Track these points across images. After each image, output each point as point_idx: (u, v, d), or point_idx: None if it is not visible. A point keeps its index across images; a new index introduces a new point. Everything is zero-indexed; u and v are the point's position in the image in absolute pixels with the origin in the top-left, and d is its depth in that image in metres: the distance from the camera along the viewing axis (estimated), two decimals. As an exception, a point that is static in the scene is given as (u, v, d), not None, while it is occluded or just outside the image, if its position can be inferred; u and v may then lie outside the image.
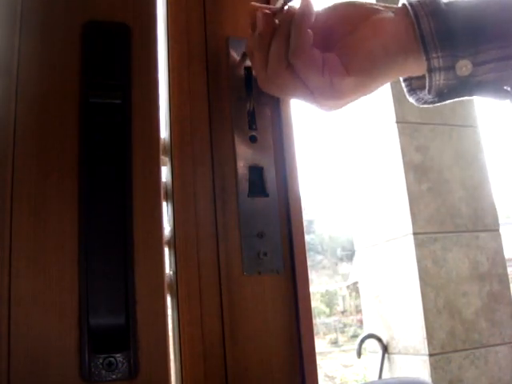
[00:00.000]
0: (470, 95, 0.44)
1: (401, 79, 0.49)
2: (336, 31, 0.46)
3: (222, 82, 0.49)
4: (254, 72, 0.49)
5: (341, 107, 0.46)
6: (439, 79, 0.42)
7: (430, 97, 0.45)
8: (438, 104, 0.46)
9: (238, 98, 0.50)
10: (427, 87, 0.43)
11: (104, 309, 0.39)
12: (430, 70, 0.42)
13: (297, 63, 0.43)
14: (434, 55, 0.41)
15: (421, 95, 0.47)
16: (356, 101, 0.46)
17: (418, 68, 0.43)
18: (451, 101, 0.45)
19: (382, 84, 0.45)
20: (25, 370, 0.37)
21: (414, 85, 0.48)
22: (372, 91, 0.46)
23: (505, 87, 0.42)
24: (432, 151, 2.00)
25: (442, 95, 0.44)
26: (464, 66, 0.41)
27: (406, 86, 0.48)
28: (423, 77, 0.44)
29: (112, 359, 0.39)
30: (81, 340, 0.38)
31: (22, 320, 0.38)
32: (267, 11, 0.45)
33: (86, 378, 0.38)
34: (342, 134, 2.36)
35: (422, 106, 0.48)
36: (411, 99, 0.49)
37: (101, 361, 0.39)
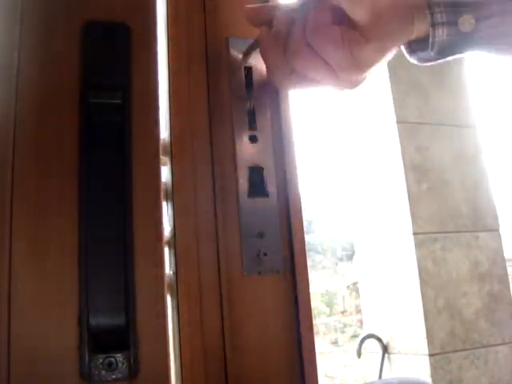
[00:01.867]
0: (473, 51, 0.43)
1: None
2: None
3: (222, 81, 0.49)
4: (268, 72, 0.49)
5: (362, 81, 0.46)
6: (442, 34, 0.42)
7: (432, 54, 0.45)
8: (441, 61, 0.45)
9: (237, 98, 0.50)
10: (430, 43, 0.43)
11: (104, 309, 0.39)
12: (434, 24, 0.42)
13: (316, 41, 0.43)
14: (437, 9, 0.41)
15: (421, 55, 0.47)
16: (376, 70, 0.47)
17: (424, 27, 0.43)
18: (453, 57, 0.44)
19: (398, 46, 0.46)
20: (25, 369, 0.37)
21: (414, 47, 0.47)
22: (389, 56, 0.46)
23: (506, 44, 0.41)
24: (432, 151, 2.00)
25: (444, 52, 0.44)
26: (467, 21, 0.41)
27: (406, 48, 0.48)
28: (423, 39, 0.44)
29: (112, 359, 0.39)
30: (81, 340, 0.38)
31: (22, 320, 0.38)
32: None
33: (86, 378, 0.38)
34: (342, 135, 2.37)
35: (423, 64, 0.47)
36: (412, 59, 0.48)
37: (101, 361, 0.39)
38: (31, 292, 0.38)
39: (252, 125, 0.49)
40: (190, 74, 0.48)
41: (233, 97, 0.49)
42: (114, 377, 0.39)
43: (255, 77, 0.50)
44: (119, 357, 0.39)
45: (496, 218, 2.07)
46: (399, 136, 1.95)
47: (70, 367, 0.38)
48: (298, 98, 0.47)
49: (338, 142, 2.42)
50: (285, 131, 0.51)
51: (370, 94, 2.13)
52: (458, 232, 1.98)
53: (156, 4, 0.48)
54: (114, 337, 0.39)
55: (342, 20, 0.46)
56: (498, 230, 2.07)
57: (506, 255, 2.08)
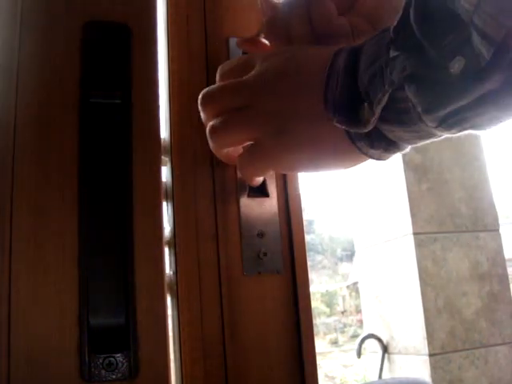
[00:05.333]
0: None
1: None
2: None
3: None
4: None
5: None
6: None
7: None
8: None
9: (238, 98, 0.50)
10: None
11: (104, 309, 0.39)
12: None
13: (326, 35, 0.42)
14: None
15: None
16: None
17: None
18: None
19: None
20: (25, 369, 0.37)
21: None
22: None
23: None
24: (432, 151, 2.00)
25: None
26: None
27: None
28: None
29: (112, 359, 0.39)
30: (81, 340, 0.38)
31: (22, 320, 0.38)
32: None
33: (86, 378, 0.38)
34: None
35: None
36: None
37: (101, 361, 0.39)
38: (31, 292, 0.38)
39: (252, 125, 0.49)
40: (190, 74, 0.48)
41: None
42: (113, 377, 0.39)
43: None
44: (119, 357, 0.39)
45: (496, 218, 2.07)
46: (399, 136, 1.95)
47: (70, 367, 0.38)
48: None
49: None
50: (285, 131, 0.51)
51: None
52: (458, 232, 1.98)
53: (156, 4, 0.48)
54: (114, 337, 0.39)
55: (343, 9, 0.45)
56: (497, 230, 2.07)
57: (506, 255, 2.08)
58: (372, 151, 0.38)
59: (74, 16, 0.44)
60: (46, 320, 0.38)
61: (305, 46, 0.43)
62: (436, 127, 0.33)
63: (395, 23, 0.33)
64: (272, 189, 0.49)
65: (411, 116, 0.33)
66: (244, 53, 0.50)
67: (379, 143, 0.37)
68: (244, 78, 0.42)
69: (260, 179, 0.46)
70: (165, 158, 0.48)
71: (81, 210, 0.41)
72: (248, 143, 0.43)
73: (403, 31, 0.32)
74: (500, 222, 2.09)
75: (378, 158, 0.39)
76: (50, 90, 0.42)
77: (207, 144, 0.46)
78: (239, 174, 0.46)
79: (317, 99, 0.38)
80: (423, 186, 1.96)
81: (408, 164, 1.95)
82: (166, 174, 0.48)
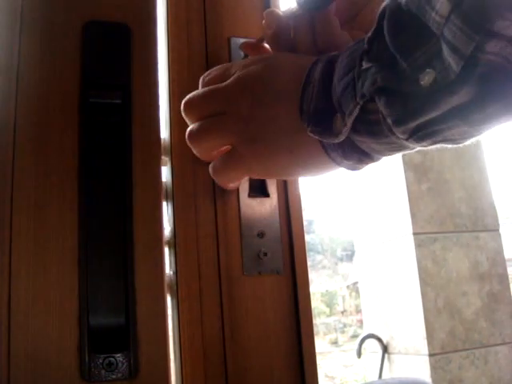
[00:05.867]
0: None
1: None
2: (347, 10, 0.46)
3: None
4: None
5: None
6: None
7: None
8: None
9: (238, 98, 0.50)
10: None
11: (104, 309, 0.39)
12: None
13: (329, 48, 0.42)
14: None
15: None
16: None
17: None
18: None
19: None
20: (25, 369, 0.37)
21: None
22: None
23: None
24: (432, 151, 1.99)
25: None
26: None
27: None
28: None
29: (112, 359, 0.39)
30: (81, 340, 0.38)
31: (22, 320, 0.38)
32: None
33: (86, 378, 0.38)
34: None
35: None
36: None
37: (101, 361, 0.39)
38: (31, 292, 0.38)
39: (252, 125, 0.49)
40: (190, 74, 0.48)
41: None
42: (114, 377, 0.39)
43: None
44: (119, 357, 0.39)
45: (496, 218, 2.07)
46: (399, 136, 1.95)
47: (70, 367, 0.38)
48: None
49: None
50: (285, 131, 0.51)
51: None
52: (458, 232, 1.98)
53: (156, 4, 0.48)
54: (114, 337, 0.39)
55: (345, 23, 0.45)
56: (498, 230, 2.07)
57: (506, 255, 2.08)
58: (345, 162, 0.38)
59: (74, 16, 0.44)
60: (46, 320, 0.38)
61: (285, 54, 0.43)
62: (407, 139, 0.33)
63: (369, 34, 0.33)
64: (272, 189, 0.49)
65: (382, 128, 0.33)
66: (245, 55, 0.50)
67: (352, 154, 0.37)
68: (222, 84, 0.42)
69: (235, 185, 0.46)
70: (165, 158, 0.48)
71: (81, 210, 0.41)
72: (226, 148, 0.43)
73: (377, 43, 0.32)
74: (500, 221, 2.09)
75: (352, 169, 0.39)
76: (49, 89, 0.42)
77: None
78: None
79: (292, 108, 0.38)
80: (423, 185, 1.96)
81: (408, 164, 1.95)
82: (165, 174, 0.48)
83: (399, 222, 1.98)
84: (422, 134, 0.32)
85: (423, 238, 1.92)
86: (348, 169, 0.40)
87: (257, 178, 0.47)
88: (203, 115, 0.42)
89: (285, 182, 0.49)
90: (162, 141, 0.46)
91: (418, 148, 0.35)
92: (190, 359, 0.43)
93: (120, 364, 0.39)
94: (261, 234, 0.47)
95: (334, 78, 0.36)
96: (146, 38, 0.46)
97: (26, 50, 0.42)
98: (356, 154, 0.37)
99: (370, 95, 0.32)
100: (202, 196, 0.46)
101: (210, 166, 0.44)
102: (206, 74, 0.45)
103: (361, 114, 0.34)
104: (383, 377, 2.05)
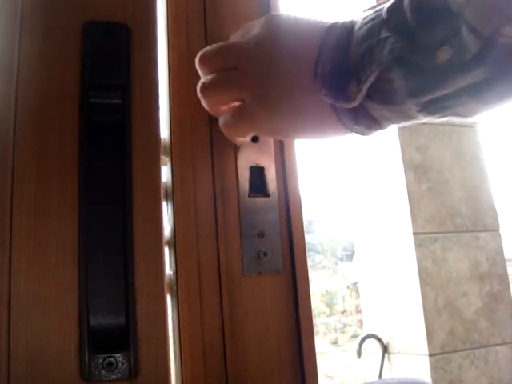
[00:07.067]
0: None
1: None
2: None
3: (222, 81, 0.49)
4: None
5: None
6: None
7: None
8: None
9: (238, 98, 0.50)
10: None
11: (104, 309, 0.39)
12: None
13: None
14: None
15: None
16: None
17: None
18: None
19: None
20: (25, 369, 0.37)
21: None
22: None
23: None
24: (432, 151, 2.00)
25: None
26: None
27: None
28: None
29: (112, 359, 0.39)
30: (81, 340, 0.38)
31: (22, 320, 0.38)
32: None
33: (86, 378, 0.38)
34: (342, 134, 2.36)
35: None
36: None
37: (101, 361, 0.39)
38: (31, 292, 0.38)
39: (252, 125, 0.49)
40: (190, 74, 0.48)
41: (233, 97, 0.49)
42: (114, 377, 0.39)
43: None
44: (119, 357, 0.39)
45: (496, 218, 2.07)
46: (399, 136, 1.95)
47: (70, 367, 0.38)
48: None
49: (339, 142, 2.42)
50: (285, 131, 0.51)
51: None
52: (458, 232, 1.98)
53: (156, 4, 0.47)
54: (114, 337, 0.39)
55: None
56: (498, 230, 2.07)
57: (506, 255, 2.08)
58: (356, 127, 0.39)
59: (74, 16, 0.44)
60: (46, 320, 0.38)
61: (299, 17, 0.43)
62: (419, 111, 0.34)
63: (390, 4, 0.34)
64: (272, 189, 0.49)
65: (396, 97, 0.34)
66: None
67: (363, 120, 0.38)
68: (239, 40, 0.43)
69: (244, 139, 0.47)
70: (165, 158, 0.48)
71: (81, 210, 0.41)
72: (236, 104, 0.43)
73: (396, 15, 0.33)
74: (500, 222, 2.09)
75: (362, 134, 0.40)
76: (49, 89, 0.42)
77: (207, 144, 0.46)
78: (225, 134, 0.46)
79: (307, 69, 0.39)
80: (423, 185, 1.96)
81: (408, 164, 1.95)
82: (166, 174, 0.48)
83: (399, 222, 1.98)
84: (433, 108, 0.33)
85: (423, 238, 1.92)
86: (357, 133, 0.40)
87: (263, 135, 0.47)
88: (216, 69, 0.43)
89: (285, 182, 0.49)
90: (162, 141, 0.46)
91: (426, 120, 0.36)
92: (190, 359, 0.43)
93: (120, 364, 0.39)
94: (261, 234, 0.47)
95: (351, 44, 0.36)
96: (146, 38, 0.46)
97: (26, 50, 0.42)
98: (367, 120, 0.38)
99: (387, 64, 0.33)
100: (202, 196, 0.46)
101: (220, 119, 0.45)
102: (203, 51, 0.45)
103: (376, 82, 0.34)
104: (383, 377, 2.05)
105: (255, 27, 0.43)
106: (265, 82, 0.40)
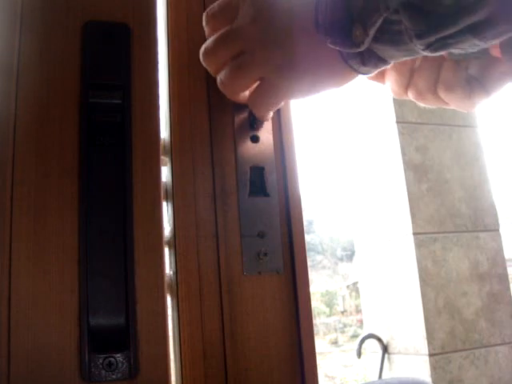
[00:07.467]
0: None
1: None
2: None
3: (222, 81, 0.49)
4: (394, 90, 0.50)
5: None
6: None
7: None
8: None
9: (238, 98, 0.50)
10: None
11: (104, 309, 0.39)
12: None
13: (448, 98, 0.45)
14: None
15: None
16: None
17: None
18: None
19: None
20: (25, 369, 0.37)
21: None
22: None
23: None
24: (432, 151, 2.00)
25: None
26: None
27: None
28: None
29: (112, 359, 0.39)
30: (81, 340, 0.38)
31: (22, 320, 0.38)
32: None
33: (86, 378, 0.38)
34: (342, 135, 2.37)
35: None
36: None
37: (101, 361, 0.39)
38: (31, 292, 0.38)
39: (253, 125, 0.49)
40: (190, 74, 0.48)
41: (233, 97, 0.49)
42: (113, 377, 0.39)
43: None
44: (119, 357, 0.39)
45: (496, 218, 2.07)
46: (399, 136, 1.95)
47: (70, 367, 0.38)
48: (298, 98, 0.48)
49: (339, 142, 2.42)
50: (286, 131, 0.51)
51: (370, 93, 2.13)
52: (458, 232, 1.98)
53: (156, 4, 0.48)
54: (114, 337, 0.39)
55: None
56: (498, 230, 2.07)
57: (506, 255, 2.08)
58: (363, 68, 0.41)
59: (74, 16, 0.44)
60: (46, 320, 0.38)
61: None
62: (424, 50, 0.36)
63: None
64: (272, 189, 0.49)
65: (403, 37, 0.36)
66: None
67: (370, 61, 0.40)
68: (232, 25, 0.44)
69: (270, 115, 0.48)
70: (165, 158, 0.48)
71: (81, 210, 0.41)
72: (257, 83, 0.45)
73: None
74: (500, 221, 2.09)
75: (367, 73, 0.42)
76: (49, 89, 0.42)
77: (207, 144, 0.46)
78: (253, 111, 0.48)
79: (308, 22, 0.40)
80: (423, 185, 1.96)
81: (408, 164, 1.95)
82: (166, 174, 0.48)
83: (399, 222, 1.98)
84: (438, 45, 0.35)
85: (423, 238, 1.92)
86: (363, 73, 0.42)
87: (290, 99, 0.48)
88: (222, 61, 0.45)
89: (285, 182, 0.49)
90: (162, 141, 0.46)
91: (433, 54, 0.38)
92: (190, 359, 0.43)
93: (120, 364, 0.39)
94: (261, 234, 0.47)
95: None
96: (146, 38, 0.46)
97: (26, 49, 0.42)
98: (374, 60, 0.40)
99: (394, 8, 0.35)
100: (202, 196, 0.46)
101: (249, 101, 0.47)
102: (207, 11, 0.46)
103: (384, 25, 0.36)
104: (383, 377, 2.05)
105: (245, 6, 0.43)
106: (275, 53, 0.42)
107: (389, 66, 0.42)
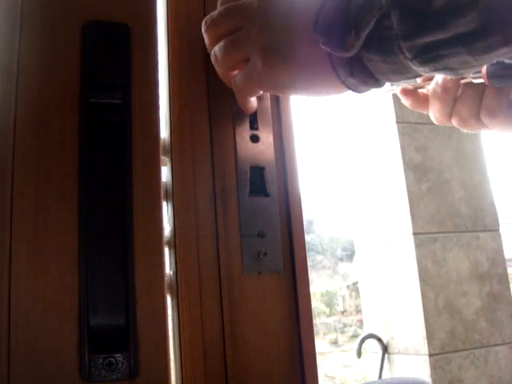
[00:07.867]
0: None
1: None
2: None
3: (222, 81, 0.49)
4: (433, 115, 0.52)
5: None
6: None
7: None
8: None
9: (238, 98, 0.50)
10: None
11: (104, 309, 0.39)
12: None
13: (491, 123, 0.47)
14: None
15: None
16: None
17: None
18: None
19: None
20: (25, 370, 0.37)
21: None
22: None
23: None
24: (432, 151, 2.00)
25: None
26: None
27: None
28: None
29: (112, 359, 0.39)
30: (81, 340, 0.38)
31: (22, 320, 0.38)
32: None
33: (86, 378, 0.38)
34: (342, 134, 2.37)
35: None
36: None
37: (101, 361, 0.39)
38: (31, 292, 0.38)
39: (253, 124, 0.49)
40: (190, 74, 0.48)
41: (234, 96, 0.49)
42: (114, 377, 0.39)
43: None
44: (119, 357, 0.39)
45: (496, 218, 2.07)
46: (399, 136, 1.95)
47: (70, 367, 0.38)
48: (298, 98, 0.48)
49: (339, 142, 2.42)
50: (286, 131, 0.51)
51: (370, 93, 2.13)
52: (458, 232, 1.98)
53: (156, 4, 0.48)
54: (114, 337, 0.39)
55: None
56: (498, 230, 2.07)
57: (506, 255, 2.08)
58: (350, 80, 0.40)
59: (74, 16, 0.44)
60: (46, 320, 0.38)
61: None
62: (411, 60, 0.36)
63: None
64: (272, 189, 0.49)
65: (392, 45, 0.36)
66: None
67: (358, 73, 0.40)
68: (240, 1, 0.45)
69: (253, 106, 0.48)
70: (165, 158, 0.48)
71: (81, 210, 0.41)
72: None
73: None
74: (500, 221, 2.09)
75: (355, 90, 0.42)
76: (49, 89, 0.42)
77: (207, 144, 0.46)
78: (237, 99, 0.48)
79: (307, 20, 0.40)
80: (423, 185, 1.96)
81: (408, 164, 1.95)
82: (166, 174, 0.48)
83: (399, 222, 1.98)
84: (426, 56, 0.35)
85: (423, 238, 1.92)
86: (351, 89, 0.42)
87: (268, 91, 0.48)
88: (222, 32, 0.45)
89: (285, 182, 0.49)
90: (162, 141, 0.46)
91: (418, 70, 0.37)
92: (190, 359, 0.43)
93: (120, 364, 0.39)
94: (261, 234, 0.47)
95: None
96: (146, 38, 0.46)
97: (26, 50, 0.42)
98: (362, 74, 0.40)
99: (386, 8, 0.35)
100: (202, 196, 0.46)
101: (232, 82, 0.47)
102: None
103: (375, 29, 0.36)
104: (383, 377, 2.05)
105: None
106: (267, 35, 0.42)
107: (380, 88, 0.42)
